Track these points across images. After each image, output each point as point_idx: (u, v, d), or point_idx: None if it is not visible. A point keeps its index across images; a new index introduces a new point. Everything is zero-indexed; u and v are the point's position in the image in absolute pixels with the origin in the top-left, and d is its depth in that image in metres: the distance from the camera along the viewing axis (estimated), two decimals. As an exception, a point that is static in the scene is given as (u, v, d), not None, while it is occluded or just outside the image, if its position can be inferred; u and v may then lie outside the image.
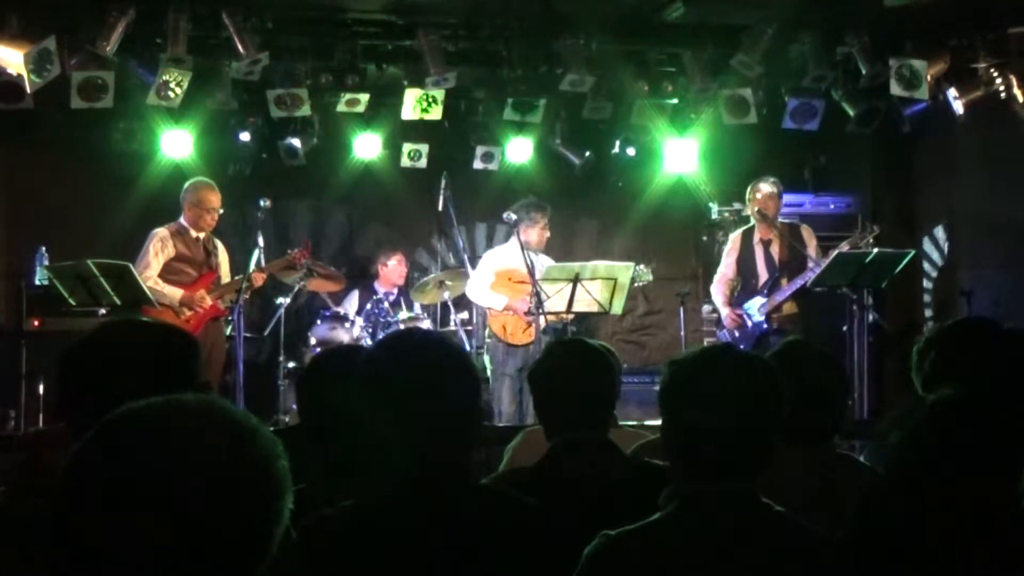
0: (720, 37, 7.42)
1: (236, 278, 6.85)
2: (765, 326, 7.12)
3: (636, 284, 7.22)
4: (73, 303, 6.47)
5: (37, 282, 7.58)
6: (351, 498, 1.98)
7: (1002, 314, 7.07)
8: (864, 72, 7.25)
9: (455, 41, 7.35)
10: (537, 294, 6.68)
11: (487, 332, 7.53)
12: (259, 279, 6.87)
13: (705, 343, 7.45)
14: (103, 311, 6.54)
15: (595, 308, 6.93)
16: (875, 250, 6.84)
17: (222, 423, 1.23)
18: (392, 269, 8.26)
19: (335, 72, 7.41)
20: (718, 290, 7.42)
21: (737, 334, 7.19)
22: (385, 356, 2.09)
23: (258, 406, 6.86)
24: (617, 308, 7.03)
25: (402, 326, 7.56)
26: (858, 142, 8.48)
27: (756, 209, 7.23)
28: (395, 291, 8.24)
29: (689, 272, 9.32)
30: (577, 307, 6.82)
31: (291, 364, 7.69)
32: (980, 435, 1.96)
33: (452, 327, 7.83)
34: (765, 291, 7.16)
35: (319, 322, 7.78)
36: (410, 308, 8.08)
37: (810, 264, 7.05)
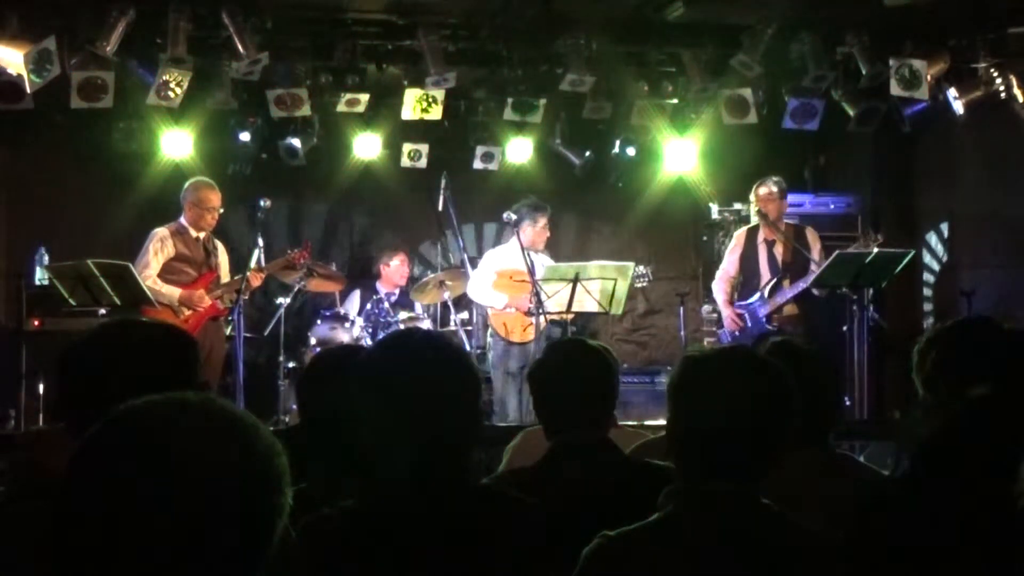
0: (720, 37, 7.42)
1: (236, 278, 6.85)
2: (766, 327, 7.11)
3: (636, 285, 7.21)
4: (73, 303, 6.46)
5: (37, 282, 7.58)
6: (351, 498, 1.98)
7: (1002, 314, 7.07)
8: (864, 72, 7.25)
9: (455, 41, 7.35)
10: (537, 294, 6.68)
11: (488, 331, 7.53)
12: (257, 279, 6.86)
13: (705, 343, 7.45)
14: (103, 311, 6.53)
15: (595, 308, 6.93)
16: (875, 250, 6.83)
17: (222, 421, 1.23)
18: (394, 269, 8.26)
19: (335, 72, 7.41)
20: (719, 287, 7.41)
21: (738, 332, 7.18)
22: (385, 356, 2.09)
23: (258, 406, 6.85)
24: (617, 308, 7.03)
25: (402, 326, 7.56)
26: (858, 142, 8.48)
27: (758, 209, 7.23)
28: (397, 291, 8.24)
29: (689, 272, 9.32)
30: (577, 307, 6.81)
31: (291, 364, 7.69)
32: (984, 435, 1.96)
33: (452, 327, 7.83)
34: (766, 292, 7.14)
35: (319, 322, 7.78)
36: (411, 308, 8.08)
37: (813, 267, 7.05)
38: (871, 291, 7.49)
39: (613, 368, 2.93)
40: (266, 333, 7.86)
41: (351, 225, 9.26)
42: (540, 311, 6.74)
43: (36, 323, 7.38)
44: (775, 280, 7.17)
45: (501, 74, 7.70)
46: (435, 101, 7.55)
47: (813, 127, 7.89)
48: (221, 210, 6.89)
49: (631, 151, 8.63)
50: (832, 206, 8.57)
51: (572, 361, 2.87)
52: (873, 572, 2.04)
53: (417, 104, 7.57)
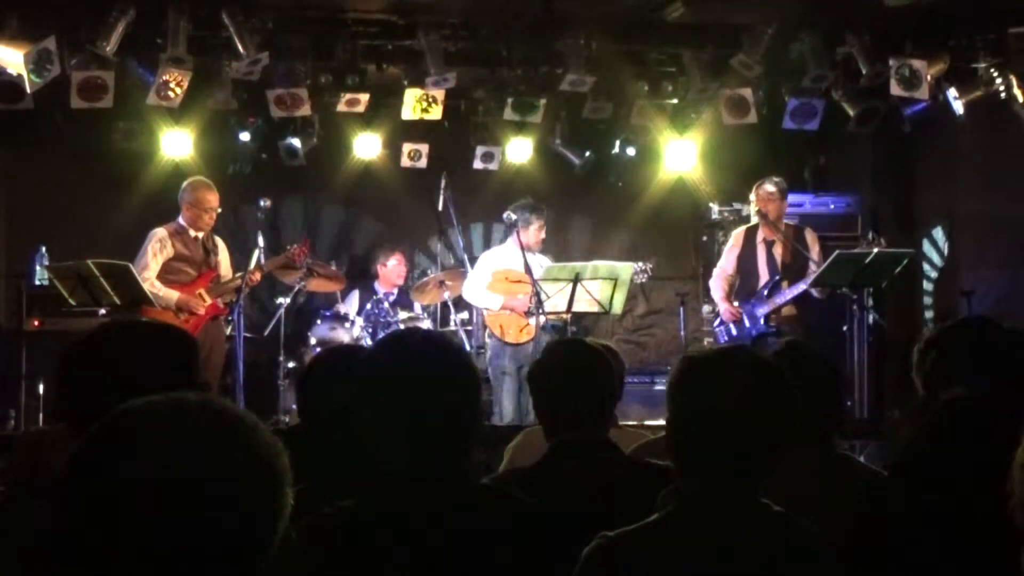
0: (720, 37, 7.42)
1: (236, 276, 6.85)
2: (764, 327, 7.10)
3: (636, 280, 7.23)
4: (73, 303, 6.46)
5: (37, 282, 7.58)
6: (351, 498, 1.98)
7: (1002, 314, 7.07)
8: (864, 72, 7.25)
9: (455, 41, 7.35)
10: (537, 294, 6.69)
11: (486, 331, 7.53)
12: (256, 277, 6.85)
13: (705, 343, 7.45)
14: (103, 311, 6.54)
15: (595, 308, 6.93)
16: (875, 250, 6.82)
17: (222, 421, 1.23)
18: (392, 269, 8.26)
19: (335, 72, 7.41)
20: (717, 285, 7.40)
21: (735, 331, 7.17)
22: (385, 356, 2.09)
23: (258, 406, 6.84)
24: (617, 308, 7.03)
25: (402, 326, 7.56)
26: (858, 142, 8.48)
27: (757, 209, 7.22)
28: (395, 291, 8.23)
29: (689, 272, 9.33)
30: (577, 307, 6.82)
31: (291, 364, 7.68)
32: (982, 435, 1.96)
33: (452, 327, 7.83)
34: (764, 293, 7.14)
35: (319, 322, 7.78)
36: (410, 308, 8.08)
37: (812, 268, 7.04)
38: (871, 291, 7.50)
39: (613, 368, 2.93)
40: (266, 333, 7.86)
41: (351, 225, 9.27)
42: (540, 311, 6.74)
43: (36, 323, 7.38)
44: (774, 281, 7.16)
45: (501, 74, 7.70)
46: (435, 101, 7.55)
47: (813, 127, 7.88)
48: (219, 210, 6.89)
49: (631, 151, 8.63)
50: (832, 206, 8.57)
51: (572, 361, 2.87)
52: (873, 572, 2.04)
53: (417, 104, 7.57)
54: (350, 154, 8.40)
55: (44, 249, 7.70)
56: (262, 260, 6.97)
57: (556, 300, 6.75)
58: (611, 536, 1.94)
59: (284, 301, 7.73)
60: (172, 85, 6.86)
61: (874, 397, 8.06)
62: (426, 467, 1.95)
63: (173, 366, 2.18)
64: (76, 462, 1.20)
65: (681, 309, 8.08)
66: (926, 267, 8.64)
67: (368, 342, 7.44)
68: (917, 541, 1.99)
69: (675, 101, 8.08)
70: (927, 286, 8.66)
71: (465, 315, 8.04)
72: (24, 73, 6.34)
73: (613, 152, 8.68)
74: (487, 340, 7.51)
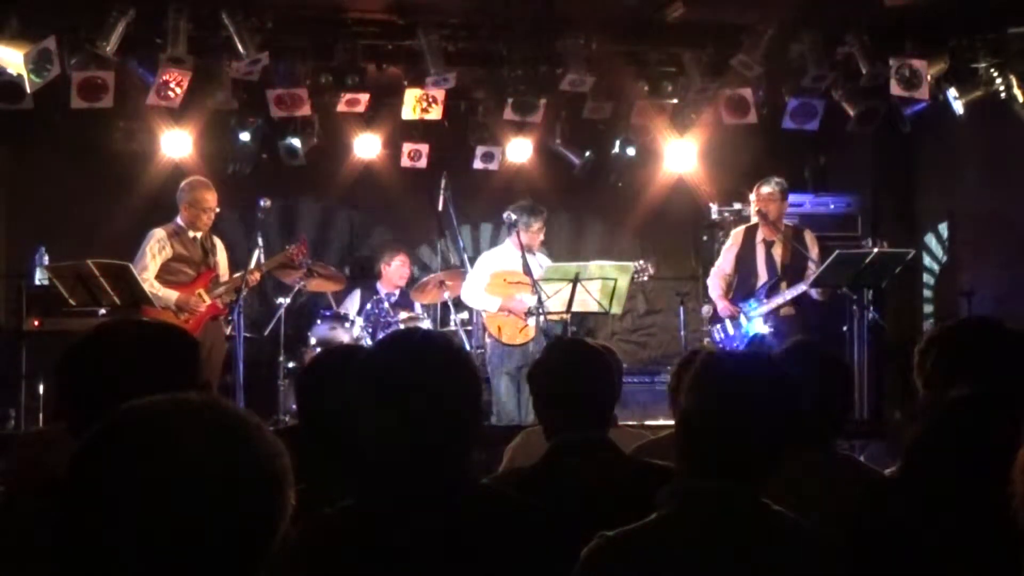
0: (720, 37, 7.41)
1: (235, 276, 6.85)
2: (762, 328, 7.08)
3: (637, 279, 7.23)
4: (73, 303, 6.46)
5: (37, 282, 7.58)
6: (351, 498, 1.98)
7: (1002, 314, 7.07)
8: (864, 72, 7.24)
9: (455, 41, 7.35)
10: (537, 293, 6.69)
11: (486, 332, 7.53)
12: (255, 277, 6.85)
13: (705, 343, 7.44)
14: (103, 311, 6.53)
15: (595, 308, 6.93)
16: (875, 250, 6.82)
17: (224, 422, 1.23)
18: (395, 270, 8.25)
19: (335, 72, 7.41)
20: (714, 284, 7.38)
21: (731, 330, 7.15)
22: (385, 356, 2.09)
23: (258, 406, 6.82)
24: (616, 308, 7.03)
25: (402, 326, 7.56)
26: (858, 142, 8.48)
27: (758, 209, 7.21)
28: (397, 292, 8.23)
29: (689, 272, 9.33)
30: (577, 307, 6.82)
31: (291, 364, 7.68)
32: (984, 435, 1.96)
33: (452, 327, 7.83)
34: (763, 293, 7.13)
35: (319, 322, 7.78)
36: (411, 308, 8.08)
37: (811, 268, 7.04)
38: (871, 291, 7.49)
39: (613, 368, 2.93)
40: (266, 333, 7.86)
41: (351, 225, 9.27)
42: (540, 311, 6.74)
43: (36, 323, 7.38)
44: (773, 281, 7.14)
45: (501, 74, 7.69)
46: (435, 101, 7.55)
47: (813, 127, 7.88)
48: (217, 210, 6.88)
49: (631, 151, 8.63)
50: (832, 206, 8.57)
51: (572, 361, 2.87)
52: (873, 572, 2.04)
53: (417, 104, 7.57)
54: (350, 154, 8.40)
55: (44, 249, 7.70)
56: (262, 260, 6.97)
57: (556, 300, 6.75)
58: (611, 536, 1.94)
59: (284, 301, 7.73)
60: (172, 85, 6.86)
61: (874, 397, 8.07)
62: (426, 467, 1.95)
63: (173, 366, 2.17)
64: (77, 462, 1.20)
65: (681, 309, 8.08)
66: (926, 267, 8.64)
67: (368, 342, 7.44)
68: (918, 541, 1.99)
69: (675, 101, 8.07)
70: (927, 286, 8.66)
71: (465, 315, 8.04)
72: (24, 73, 6.34)
73: (613, 152, 8.68)
74: (487, 340, 7.51)
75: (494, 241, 9.01)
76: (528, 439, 3.42)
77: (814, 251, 7.20)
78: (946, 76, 7.36)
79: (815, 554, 1.97)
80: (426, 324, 7.86)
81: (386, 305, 7.89)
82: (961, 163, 8.23)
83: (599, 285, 6.80)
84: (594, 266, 6.91)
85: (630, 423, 5.06)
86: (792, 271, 7.12)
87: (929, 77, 7.11)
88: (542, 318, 6.84)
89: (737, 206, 8.41)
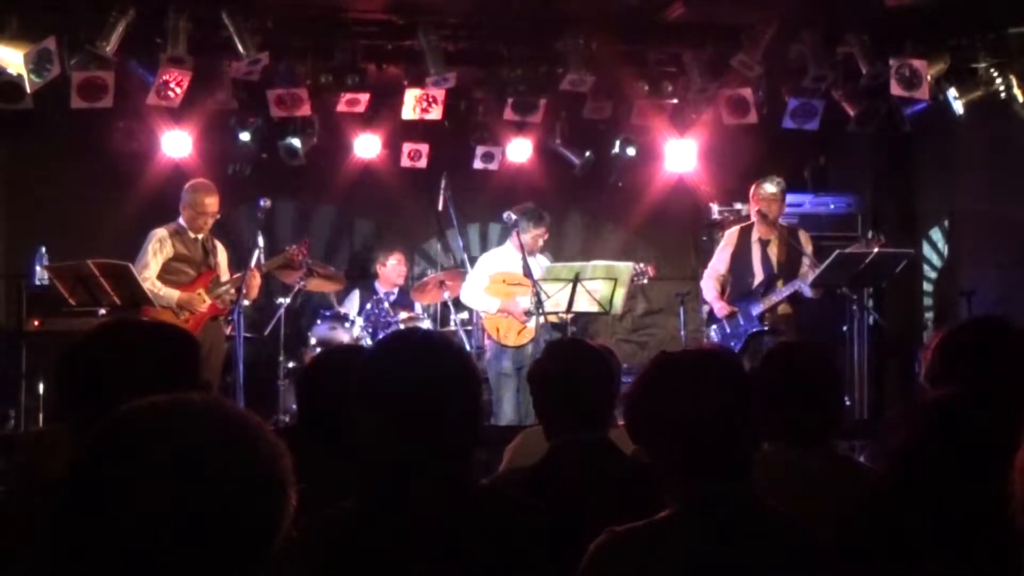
0: (720, 37, 7.41)
1: (236, 275, 6.85)
2: (758, 325, 7.08)
3: (636, 282, 7.23)
4: (73, 303, 6.46)
5: (37, 282, 7.58)
6: (351, 498, 1.98)
7: (1002, 314, 7.06)
8: (864, 72, 7.24)
9: (455, 41, 7.35)
10: (537, 294, 6.69)
11: (485, 333, 7.53)
12: (256, 277, 6.85)
13: (704, 343, 7.44)
14: (103, 311, 6.54)
15: (595, 308, 6.93)
16: (875, 250, 6.82)
17: (225, 422, 1.23)
18: (391, 269, 8.25)
19: (335, 72, 7.40)
20: (709, 285, 7.37)
21: (728, 330, 7.15)
22: (385, 356, 2.09)
23: (258, 406, 6.83)
24: (616, 308, 7.04)
25: (402, 326, 7.56)
26: (858, 142, 8.48)
27: (757, 209, 7.19)
28: (395, 291, 8.23)
29: (689, 272, 9.31)
30: (577, 307, 6.82)
31: (291, 364, 7.68)
32: (979, 434, 1.96)
33: (452, 327, 7.83)
34: (760, 291, 7.12)
35: (319, 322, 7.78)
36: (410, 308, 8.07)
37: (806, 264, 7.03)
38: (871, 291, 7.49)
39: (613, 368, 2.94)
40: (266, 333, 7.86)
41: (351, 225, 9.26)
42: (540, 311, 6.74)
43: (36, 323, 7.38)
44: (769, 279, 7.14)
45: (501, 74, 7.69)
46: (435, 101, 7.55)
47: (813, 127, 7.88)
48: (217, 215, 6.87)
49: (631, 151, 8.63)
50: (832, 206, 8.57)
51: (572, 361, 2.87)
52: (872, 572, 2.04)
53: (417, 104, 7.57)
54: (350, 154, 8.40)
55: (44, 249, 7.69)
56: (262, 260, 6.97)
57: (556, 300, 6.75)
58: (618, 531, 1.95)
59: (284, 301, 7.73)
60: (172, 85, 6.86)
61: (874, 397, 8.07)
62: (426, 468, 1.96)
63: (174, 366, 2.18)
64: (78, 463, 1.20)
65: (681, 309, 8.08)
66: (926, 267, 8.64)
67: (368, 342, 7.44)
68: (917, 541, 1.99)
69: (675, 101, 8.07)
70: (927, 286, 8.66)
71: (465, 315, 8.04)
72: (24, 73, 6.34)
73: (613, 152, 8.68)
74: (486, 341, 7.51)
75: (494, 241, 9.01)
76: (528, 439, 3.42)
77: (808, 250, 7.20)
78: (946, 76, 7.36)
79: (816, 554, 1.98)
80: (426, 324, 7.86)
81: (386, 305, 7.89)
82: (961, 163, 8.23)
83: (599, 285, 6.80)
84: (594, 266, 6.91)
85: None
86: (788, 269, 7.12)
87: (929, 77, 7.11)
88: (542, 319, 6.84)
89: (737, 206, 8.41)
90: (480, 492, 2.09)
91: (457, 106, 8.21)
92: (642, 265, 7.24)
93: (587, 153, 8.74)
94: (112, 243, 7.34)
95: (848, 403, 7.64)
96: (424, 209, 8.45)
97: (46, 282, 7.16)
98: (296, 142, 8.07)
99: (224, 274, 6.97)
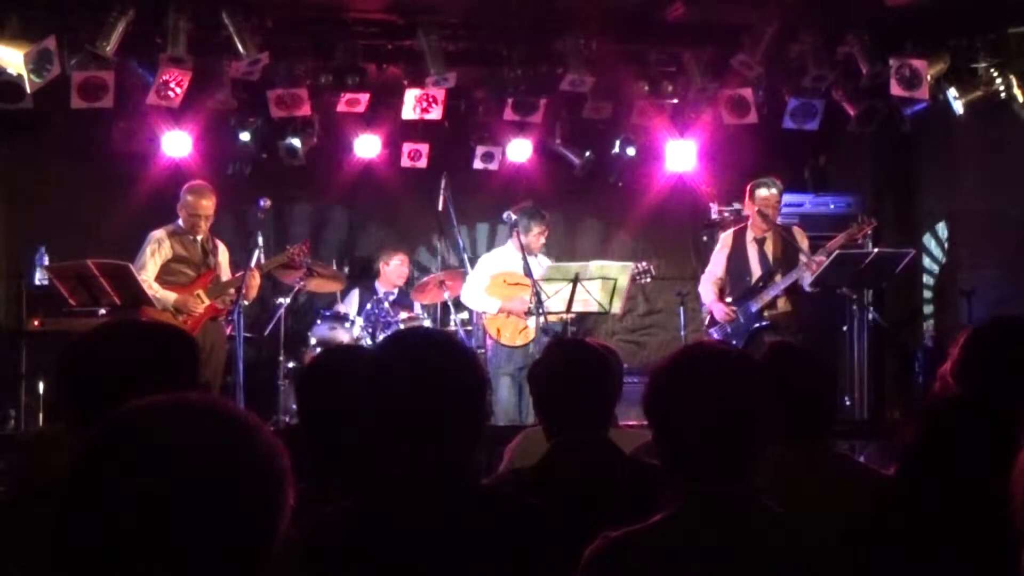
0: (720, 37, 7.41)
1: (236, 275, 6.85)
2: (758, 323, 7.08)
3: (639, 281, 7.21)
4: (73, 303, 6.46)
5: (37, 282, 7.58)
6: (351, 498, 1.98)
7: (1002, 314, 7.06)
8: (864, 72, 7.24)
9: (455, 41, 7.35)
10: (537, 294, 6.69)
11: (486, 334, 7.53)
12: (256, 278, 6.85)
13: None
14: (103, 311, 6.53)
15: (594, 308, 6.93)
16: (875, 250, 6.83)
17: (224, 422, 1.23)
18: (393, 269, 8.25)
19: (335, 72, 7.40)
20: (707, 289, 7.35)
21: (729, 329, 7.14)
22: (389, 355, 2.09)
23: (258, 406, 6.85)
24: (616, 308, 7.04)
25: (402, 326, 7.56)
26: (858, 142, 8.48)
27: (758, 209, 7.19)
28: (396, 291, 8.23)
29: (689, 272, 9.31)
30: (576, 307, 6.82)
31: (291, 364, 7.68)
32: (985, 435, 1.96)
33: (452, 327, 7.83)
34: (759, 287, 7.11)
35: (319, 322, 7.78)
36: (410, 308, 8.07)
37: (802, 259, 7.04)
38: (871, 291, 7.49)
39: (613, 368, 2.93)
40: (266, 333, 7.86)
41: (351, 225, 9.26)
42: (540, 311, 6.74)
43: (36, 323, 7.38)
44: (767, 274, 7.13)
45: (501, 74, 7.69)
46: (435, 101, 7.55)
47: (813, 127, 7.88)
48: (211, 217, 6.85)
49: (631, 151, 8.63)
50: (832, 206, 8.56)
51: (572, 361, 2.87)
52: (872, 572, 2.04)
53: (417, 104, 7.57)
54: (350, 154, 8.40)
55: (44, 249, 7.69)
56: (261, 260, 6.97)
57: (556, 300, 6.75)
58: (615, 536, 1.94)
59: (284, 301, 7.73)
60: (172, 85, 6.86)
61: (874, 397, 8.06)
62: (427, 467, 1.95)
63: (173, 366, 2.18)
64: (78, 463, 1.20)
65: (681, 309, 8.08)
66: (926, 267, 8.63)
67: (368, 342, 7.44)
68: (918, 542, 1.99)
69: (675, 101, 8.07)
70: (927, 286, 8.66)
71: (465, 315, 8.04)
72: (24, 73, 6.34)
73: (613, 152, 8.68)
74: (487, 341, 7.51)
75: (494, 241, 9.02)
76: (528, 439, 3.41)
77: (804, 245, 7.20)
78: (946, 76, 7.36)
79: (816, 555, 1.97)
80: (426, 324, 7.86)
81: (386, 305, 7.89)
82: (961, 163, 8.22)
83: (599, 285, 6.80)
84: (594, 266, 6.91)
85: (630, 423, 5.06)
86: (785, 264, 7.11)
87: (929, 77, 7.11)
88: (542, 319, 6.84)
89: (737, 206, 8.40)
90: (480, 492, 2.09)
91: (457, 106, 8.21)
92: (645, 264, 7.23)
93: (587, 153, 8.74)
94: (112, 243, 7.34)
95: (848, 403, 7.65)
96: (424, 209, 8.45)
97: (46, 282, 7.17)
98: (296, 142, 8.07)
99: (225, 274, 6.97)
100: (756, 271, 7.19)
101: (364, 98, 7.57)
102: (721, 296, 7.29)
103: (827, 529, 2.06)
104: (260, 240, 7.02)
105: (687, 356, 2.10)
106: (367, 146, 8.30)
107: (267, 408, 7.40)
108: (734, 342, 7.02)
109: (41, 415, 7.08)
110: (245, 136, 8.10)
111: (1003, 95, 7.16)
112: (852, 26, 7.22)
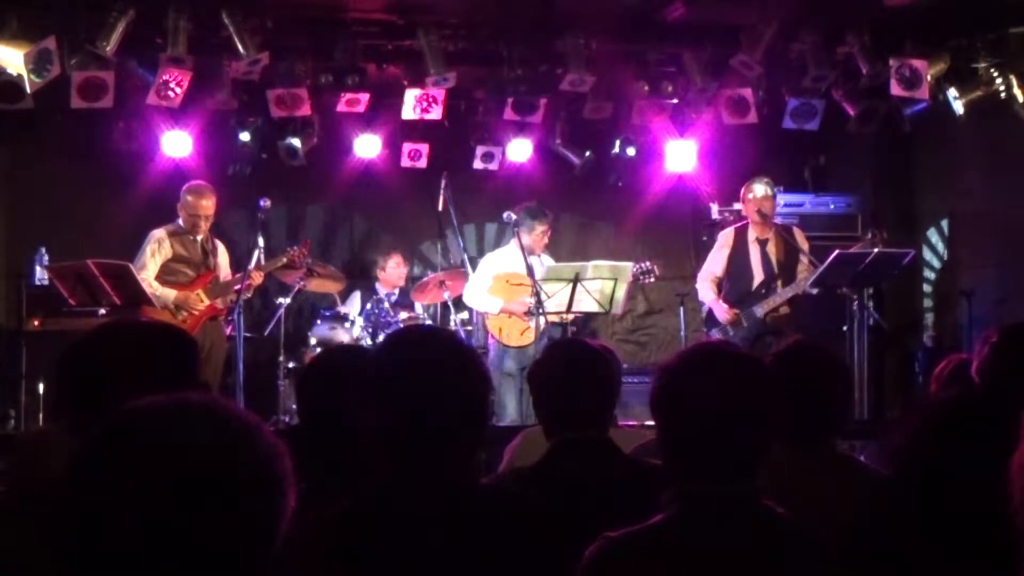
0: (720, 37, 7.41)
1: (236, 276, 6.85)
2: (762, 327, 7.07)
3: (643, 282, 7.21)
4: (73, 303, 6.47)
5: (37, 282, 7.58)
6: (351, 498, 1.98)
7: (1002, 314, 7.07)
8: (864, 72, 7.24)
9: (455, 41, 7.35)
10: (537, 294, 6.69)
11: (487, 333, 7.53)
12: (257, 278, 6.85)
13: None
14: (103, 311, 6.53)
15: (595, 308, 6.93)
16: (875, 250, 6.82)
17: (224, 422, 1.23)
18: (392, 271, 8.24)
19: (335, 72, 7.40)
20: (706, 287, 7.33)
21: (731, 332, 7.14)
22: (391, 354, 2.08)
23: (258, 406, 6.85)
24: (617, 308, 7.04)
25: (402, 326, 7.55)
26: (858, 142, 8.48)
27: (757, 210, 7.18)
28: (396, 291, 8.23)
29: (689, 272, 9.29)
30: (577, 307, 6.82)
31: (291, 364, 7.68)
32: (983, 435, 1.96)
33: (452, 327, 7.82)
34: (762, 292, 7.11)
35: (319, 322, 7.78)
36: (411, 308, 8.07)
37: (803, 262, 7.03)
38: (871, 291, 7.48)
39: (613, 368, 2.93)
40: (266, 333, 7.85)
41: (351, 225, 9.25)
42: (540, 312, 6.74)
43: (36, 323, 7.38)
44: (769, 280, 7.13)
45: (501, 74, 7.69)
46: (435, 101, 7.55)
47: (813, 127, 7.88)
48: (211, 217, 6.86)
49: (631, 151, 8.62)
50: (832, 206, 8.56)
51: (572, 361, 2.87)
52: (872, 572, 2.04)
53: (417, 104, 7.57)
54: (350, 154, 8.39)
55: (44, 249, 7.70)
56: (262, 260, 6.97)
57: (556, 300, 6.75)
58: (614, 537, 1.94)
59: (284, 301, 7.73)
60: (172, 85, 6.86)
61: (874, 397, 8.06)
62: (429, 467, 1.95)
63: (173, 366, 2.18)
64: (78, 463, 1.20)
65: (681, 309, 8.07)
66: (926, 267, 8.64)
67: (368, 342, 7.44)
68: (918, 542, 1.99)
69: (675, 101, 8.07)
70: (927, 286, 8.66)
71: (465, 315, 8.04)
72: (24, 73, 6.34)
73: (613, 152, 8.67)
74: (488, 341, 7.51)
75: (495, 241, 9.01)
76: (528, 439, 3.41)
77: (805, 246, 7.20)
78: (946, 76, 7.36)
79: (817, 556, 1.97)
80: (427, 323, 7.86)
81: (386, 305, 7.89)
82: (961, 163, 8.23)
83: (599, 285, 6.80)
84: (593, 266, 6.91)
85: (630, 423, 5.07)
86: (787, 267, 7.11)
87: (929, 77, 7.11)
88: (543, 319, 6.84)
89: (737, 206, 8.39)
90: (481, 492, 2.09)
91: (457, 106, 8.21)
92: (648, 263, 7.22)
93: (587, 153, 8.73)
94: (112, 243, 7.34)
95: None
96: (424, 209, 8.45)
97: (46, 282, 7.17)
98: (296, 142, 8.07)
99: (225, 275, 6.97)
100: (758, 274, 7.17)
101: (364, 98, 7.56)
102: (719, 297, 7.28)
103: (829, 530, 2.06)
104: (260, 240, 7.02)
105: (695, 355, 2.09)
106: (367, 146, 8.29)
107: (267, 408, 7.39)
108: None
109: (41, 415, 7.08)
110: (245, 136, 8.10)
111: (1003, 95, 7.16)
112: (852, 26, 7.22)
